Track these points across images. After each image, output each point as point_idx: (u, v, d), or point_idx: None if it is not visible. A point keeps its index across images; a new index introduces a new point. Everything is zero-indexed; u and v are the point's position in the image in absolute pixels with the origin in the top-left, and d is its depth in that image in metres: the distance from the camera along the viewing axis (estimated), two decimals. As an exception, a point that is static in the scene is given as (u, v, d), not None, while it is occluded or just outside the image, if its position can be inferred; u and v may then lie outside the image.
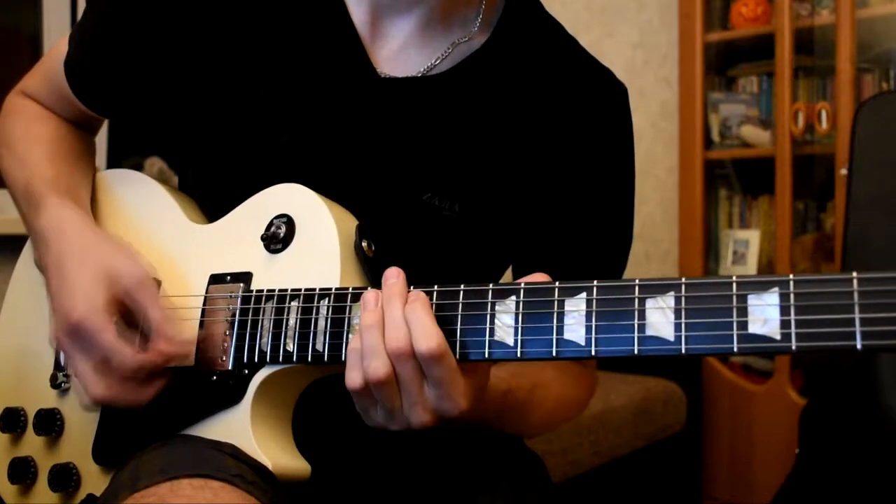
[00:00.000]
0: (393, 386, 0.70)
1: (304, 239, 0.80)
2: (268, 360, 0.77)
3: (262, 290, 0.80)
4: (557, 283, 0.68)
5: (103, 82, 0.95)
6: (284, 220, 0.81)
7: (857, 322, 0.57)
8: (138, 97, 0.95)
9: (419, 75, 0.89)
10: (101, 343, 0.78)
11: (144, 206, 0.93)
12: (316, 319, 0.76)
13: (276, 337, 0.77)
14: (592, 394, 1.00)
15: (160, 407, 0.82)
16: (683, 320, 0.63)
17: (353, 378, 0.71)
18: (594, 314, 0.66)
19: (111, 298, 0.80)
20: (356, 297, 0.75)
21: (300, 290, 0.77)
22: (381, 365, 0.69)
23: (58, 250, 0.85)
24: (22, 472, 0.89)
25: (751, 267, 2.78)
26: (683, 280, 0.64)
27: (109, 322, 0.79)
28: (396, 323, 0.70)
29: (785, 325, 0.59)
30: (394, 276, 0.72)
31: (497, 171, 0.89)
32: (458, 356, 0.69)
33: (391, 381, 0.70)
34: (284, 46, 0.89)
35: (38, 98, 1.02)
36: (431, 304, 0.71)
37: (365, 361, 0.70)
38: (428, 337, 0.68)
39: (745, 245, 2.83)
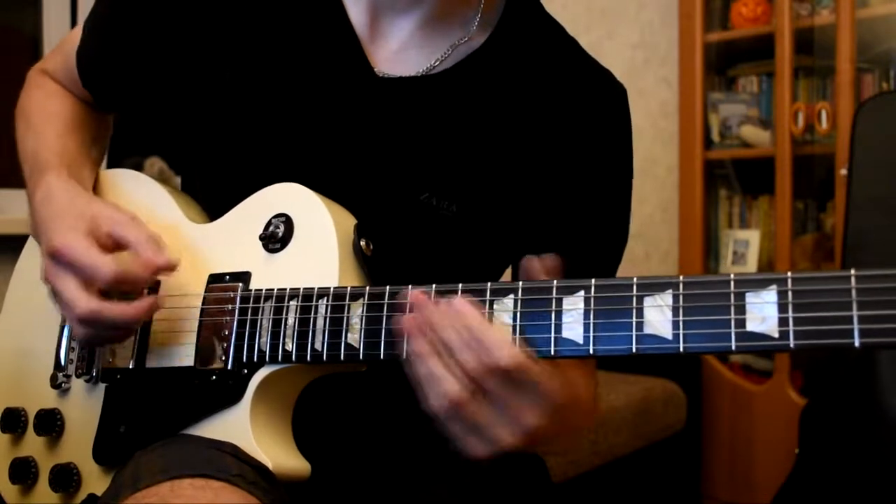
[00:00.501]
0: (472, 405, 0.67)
1: (302, 238, 0.80)
2: (267, 359, 0.77)
3: (260, 290, 0.80)
4: (555, 282, 0.68)
5: (110, 80, 0.98)
6: (283, 219, 0.81)
7: (856, 319, 0.57)
8: (142, 95, 0.97)
9: (418, 75, 0.89)
10: (81, 259, 0.79)
11: (143, 205, 0.93)
12: (314, 319, 0.76)
13: (275, 336, 0.77)
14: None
15: (160, 406, 0.82)
16: (681, 318, 0.63)
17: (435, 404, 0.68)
18: (592, 312, 0.66)
19: (91, 231, 0.82)
20: (354, 297, 0.74)
21: (299, 289, 0.77)
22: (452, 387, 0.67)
23: (47, 210, 0.86)
24: (23, 472, 0.89)
25: (751, 267, 2.78)
26: (681, 278, 0.64)
27: (88, 243, 0.80)
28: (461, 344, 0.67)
29: (783, 322, 0.59)
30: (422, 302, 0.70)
31: (495, 171, 0.89)
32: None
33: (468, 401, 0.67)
34: (283, 46, 0.89)
35: (57, 77, 1.04)
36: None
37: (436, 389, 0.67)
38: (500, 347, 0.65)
39: (745, 245, 2.83)
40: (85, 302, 0.79)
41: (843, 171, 2.13)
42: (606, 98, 0.95)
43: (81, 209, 0.84)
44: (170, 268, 0.81)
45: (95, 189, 0.98)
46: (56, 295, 0.82)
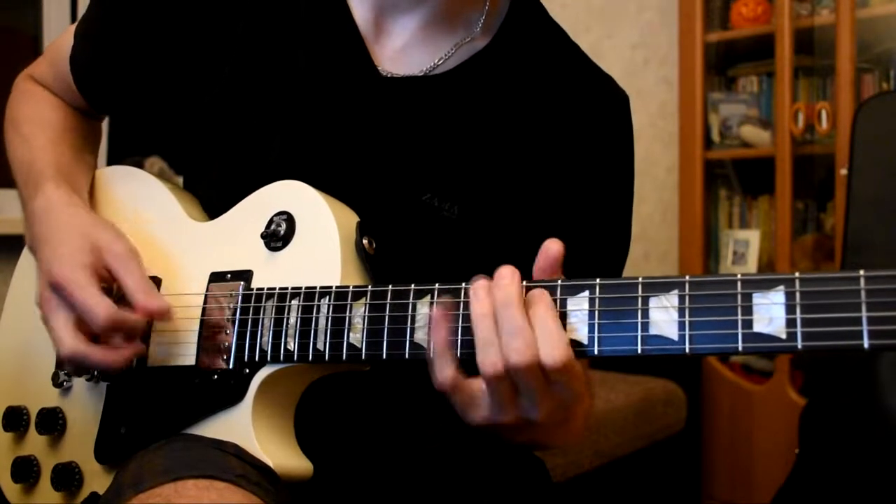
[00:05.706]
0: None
1: (304, 236, 0.80)
2: (269, 359, 0.77)
3: (262, 289, 0.79)
4: (560, 282, 0.68)
5: (107, 83, 0.97)
6: (284, 217, 0.81)
7: (864, 321, 0.56)
8: (142, 96, 0.96)
9: (421, 74, 0.89)
10: (77, 297, 0.79)
11: (145, 203, 0.93)
12: (317, 318, 0.75)
13: (276, 336, 0.77)
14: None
15: (162, 406, 0.82)
16: (687, 319, 0.62)
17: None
18: (597, 313, 0.66)
19: (93, 264, 0.81)
20: (356, 296, 0.74)
21: (300, 288, 0.77)
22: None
23: (47, 226, 0.86)
24: (25, 471, 0.89)
25: (751, 267, 2.78)
26: (687, 278, 0.63)
27: (88, 280, 0.80)
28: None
29: (790, 323, 0.59)
30: (507, 277, 0.69)
31: (497, 174, 0.89)
32: (461, 356, 0.69)
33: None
34: (285, 44, 0.89)
35: (46, 84, 1.03)
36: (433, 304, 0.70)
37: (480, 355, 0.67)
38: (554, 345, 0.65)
39: (745, 245, 2.82)
40: (71, 342, 0.79)
41: (843, 171, 2.13)
42: (608, 104, 0.95)
43: (85, 232, 0.84)
44: (163, 316, 0.80)
45: (96, 187, 0.97)
46: (46, 325, 0.82)
